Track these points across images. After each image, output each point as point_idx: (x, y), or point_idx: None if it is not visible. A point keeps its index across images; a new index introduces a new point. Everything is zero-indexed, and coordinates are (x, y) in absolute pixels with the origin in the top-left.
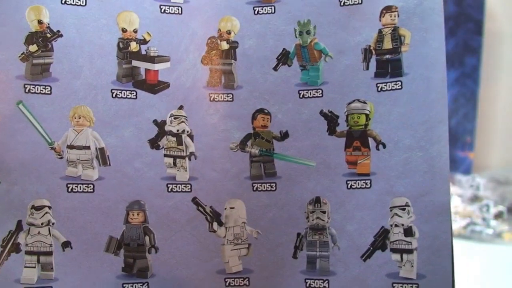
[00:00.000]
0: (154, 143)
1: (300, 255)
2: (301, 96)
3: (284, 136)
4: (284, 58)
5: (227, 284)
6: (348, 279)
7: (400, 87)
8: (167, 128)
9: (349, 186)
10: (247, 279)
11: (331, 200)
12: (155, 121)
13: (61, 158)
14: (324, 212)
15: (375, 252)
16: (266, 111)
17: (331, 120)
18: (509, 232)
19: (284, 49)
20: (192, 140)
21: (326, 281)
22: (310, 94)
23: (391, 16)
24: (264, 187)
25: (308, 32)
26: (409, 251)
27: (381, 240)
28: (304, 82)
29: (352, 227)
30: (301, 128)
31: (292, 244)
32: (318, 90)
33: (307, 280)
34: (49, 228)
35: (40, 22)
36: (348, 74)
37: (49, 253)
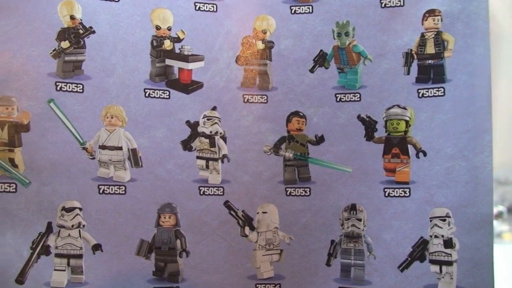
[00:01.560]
0: (186, 145)
1: (334, 262)
2: (338, 99)
3: (320, 140)
4: (321, 59)
5: None
6: None
7: (442, 93)
8: (200, 129)
9: (386, 194)
10: (278, 285)
11: (367, 208)
12: (188, 122)
13: (93, 158)
14: (359, 220)
15: (413, 262)
16: (301, 114)
17: (369, 125)
18: (509, 232)
19: (321, 50)
20: (225, 142)
21: None
22: (348, 98)
23: (434, 20)
24: (297, 192)
25: (346, 34)
26: (449, 263)
27: (419, 251)
28: (341, 85)
29: (389, 236)
30: (338, 133)
31: (325, 251)
32: (356, 94)
33: None
34: (79, 230)
35: (72, 17)
36: (388, 79)
37: (79, 256)
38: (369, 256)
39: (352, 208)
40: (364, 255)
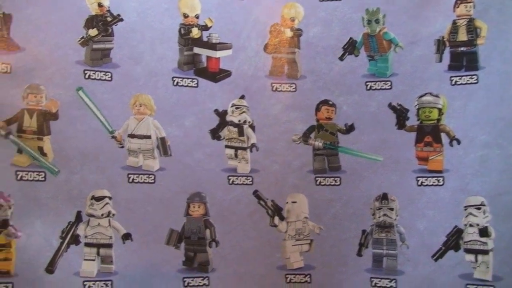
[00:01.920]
0: (215, 134)
1: (365, 252)
2: (368, 87)
3: (350, 129)
4: (350, 47)
5: (287, 280)
6: (417, 279)
7: (476, 81)
8: (228, 118)
9: (419, 183)
10: (308, 275)
11: (399, 197)
12: (216, 111)
13: (122, 147)
14: (391, 209)
15: (447, 252)
16: (330, 102)
17: (400, 113)
18: None
19: (351, 38)
20: (254, 131)
21: (394, 281)
22: (378, 86)
23: (466, 7)
24: (327, 182)
25: (377, 21)
26: (485, 252)
27: (454, 240)
28: (371, 73)
29: (422, 225)
30: (368, 121)
31: (356, 241)
32: (387, 82)
33: (372, 279)
34: (109, 220)
35: (100, 5)
36: (420, 66)
37: (109, 245)
38: (401, 246)
39: (384, 197)
40: (397, 245)
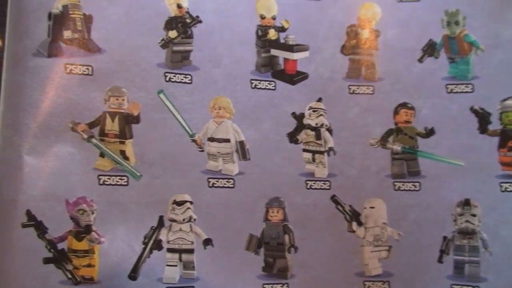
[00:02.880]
0: (292, 137)
1: (446, 259)
2: (449, 90)
3: (430, 133)
4: (430, 49)
5: (366, 287)
6: (500, 286)
7: None
8: (305, 121)
9: (503, 189)
10: (387, 283)
11: (482, 203)
12: (293, 114)
13: (202, 151)
14: (474, 216)
15: None
16: (409, 105)
17: (482, 117)
18: None
19: (430, 39)
20: (331, 135)
21: None
22: (459, 89)
23: None
24: (406, 187)
25: (456, 23)
26: None
27: None
28: (452, 75)
29: (507, 232)
30: (449, 125)
31: (437, 247)
32: (468, 85)
33: (453, 286)
34: (190, 225)
35: (179, 6)
36: (503, 69)
37: (191, 251)
38: (484, 253)
39: (466, 203)
40: (479, 252)
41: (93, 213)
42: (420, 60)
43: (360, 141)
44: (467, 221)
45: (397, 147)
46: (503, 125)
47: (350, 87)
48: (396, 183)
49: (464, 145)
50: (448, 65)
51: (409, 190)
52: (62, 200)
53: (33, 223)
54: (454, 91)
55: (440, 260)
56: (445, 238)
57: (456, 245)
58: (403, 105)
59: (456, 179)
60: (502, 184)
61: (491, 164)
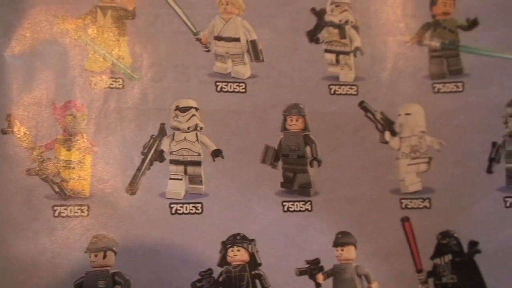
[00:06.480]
0: (313, 36)
1: (497, 169)
2: None
3: (472, 24)
4: None
5: (403, 206)
6: None
7: None
8: (327, 18)
9: None
10: (427, 200)
11: None
12: (313, 10)
13: (208, 51)
14: None
15: None
16: None
17: None
18: None
19: None
20: (357, 32)
21: None
22: None
23: None
24: (448, 88)
25: None
26: None
27: None
28: None
29: None
30: (495, 13)
31: (485, 155)
32: None
33: (506, 199)
34: (196, 134)
35: None
36: None
37: (198, 163)
38: None
39: None
40: None
41: (84, 119)
42: None
43: (392, 39)
44: None
45: (436, 43)
46: None
47: None
48: (435, 85)
49: None
50: None
51: (451, 91)
52: (50, 104)
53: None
54: None
55: (489, 170)
56: (494, 144)
57: (508, 151)
58: None
59: (506, 75)
60: None
61: None
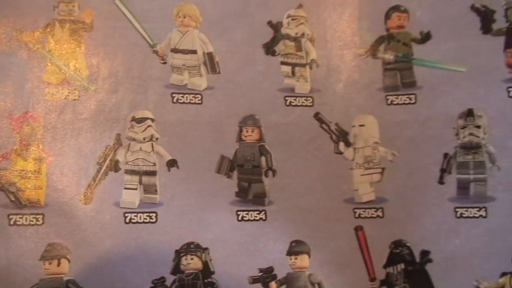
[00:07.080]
0: (269, 48)
1: (448, 179)
2: None
3: (426, 37)
4: None
5: (356, 215)
6: (510, 205)
7: None
8: (284, 31)
9: (511, 94)
10: (380, 209)
11: (487, 112)
12: (269, 23)
13: (165, 63)
14: (478, 127)
15: None
16: (402, 8)
17: (485, 15)
18: None
19: None
20: (313, 45)
21: (483, 209)
22: None
23: None
24: (401, 100)
25: None
26: None
27: None
28: None
29: None
30: (447, 27)
31: (437, 166)
32: None
33: (457, 209)
34: (152, 144)
35: None
36: None
37: (153, 173)
38: (492, 168)
39: (469, 113)
40: (486, 168)
41: (40, 130)
42: None
43: (347, 51)
44: (470, 133)
45: (390, 56)
46: (509, 22)
47: None
48: (388, 97)
49: (465, 49)
50: None
51: (404, 103)
52: (7, 115)
53: None
54: None
55: (441, 181)
56: (446, 155)
57: (459, 162)
58: (395, 8)
59: (456, 87)
60: (510, 89)
61: (496, 67)
